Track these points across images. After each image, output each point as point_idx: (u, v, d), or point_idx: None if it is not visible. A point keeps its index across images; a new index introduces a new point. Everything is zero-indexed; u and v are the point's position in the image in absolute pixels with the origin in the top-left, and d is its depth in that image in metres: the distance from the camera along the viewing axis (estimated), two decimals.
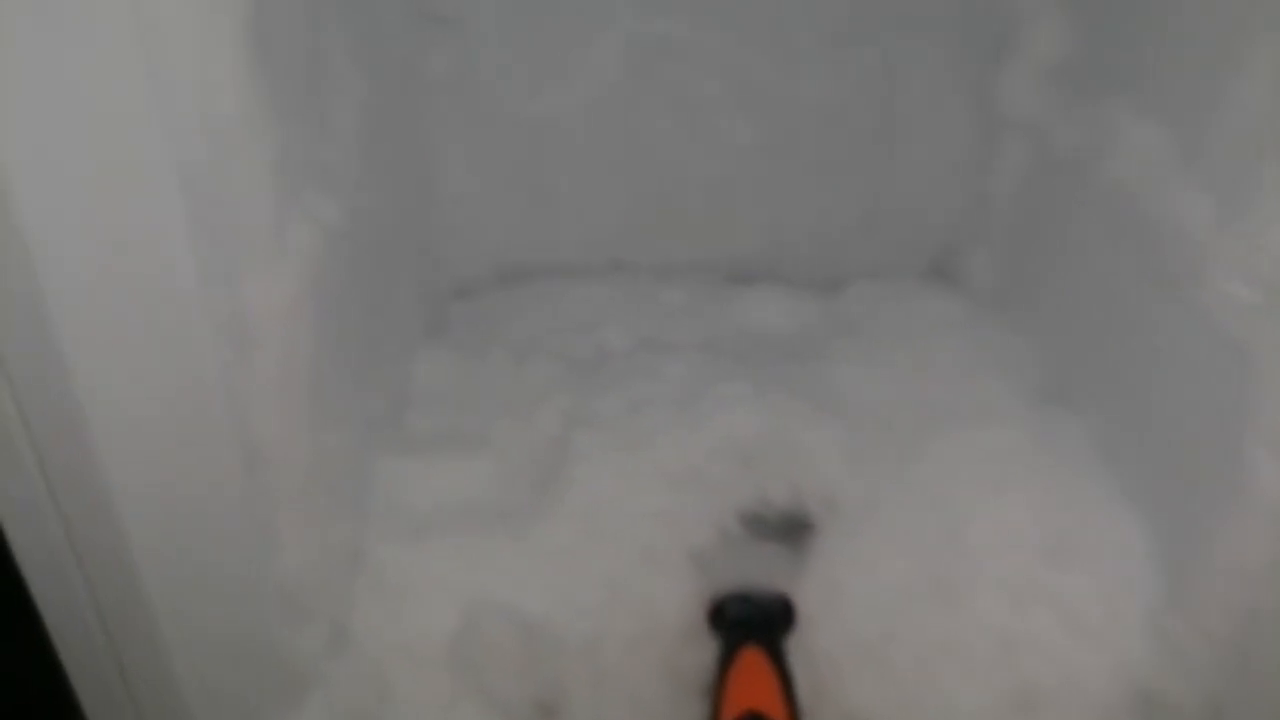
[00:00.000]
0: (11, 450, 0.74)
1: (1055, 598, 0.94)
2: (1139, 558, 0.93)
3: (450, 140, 1.37)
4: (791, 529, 1.02)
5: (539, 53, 1.33)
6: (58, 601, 0.82)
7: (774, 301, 1.34)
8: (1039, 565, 0.96)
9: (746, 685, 0.88)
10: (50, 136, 0.64)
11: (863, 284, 1.35)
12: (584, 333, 1.28)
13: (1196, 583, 0.85)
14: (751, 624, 0.94)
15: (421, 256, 1.35)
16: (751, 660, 0.90)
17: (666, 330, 1.28)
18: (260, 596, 0.88)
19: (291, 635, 0.91)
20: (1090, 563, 0.95)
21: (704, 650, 0.95)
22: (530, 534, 0.99)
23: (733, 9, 1.30)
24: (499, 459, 1.07)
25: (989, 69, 1.26)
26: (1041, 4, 1.19)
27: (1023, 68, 1.21)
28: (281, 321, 0.80)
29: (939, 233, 1.40)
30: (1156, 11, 0.98)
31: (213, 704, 0.90)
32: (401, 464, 1.06)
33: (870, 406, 1.12)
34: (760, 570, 0.99)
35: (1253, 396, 0.78)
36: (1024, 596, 0.95)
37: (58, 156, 0.65)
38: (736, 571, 0.98)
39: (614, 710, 0.96)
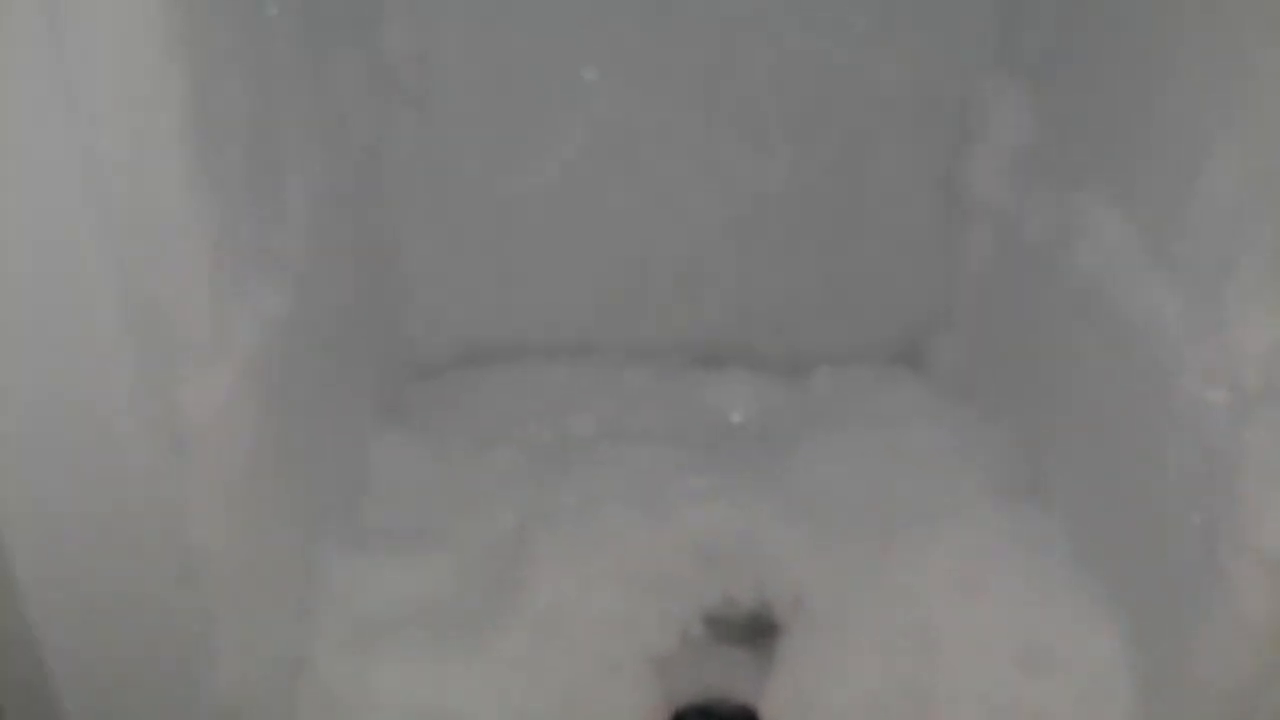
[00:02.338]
0: None
1: (1031, 709, 0.90)
2: (1116, 668, 0.90)
3: (414, 220, 1.35)
4: (757, 631, 0.98)
5: (506, 132, 1.32)
6: None
7: (740, 386, 1.32)
8: (1013, 673, 0.92)
9: None
10: None
11: (830, 369, 1.33)
12: (546, 418, 1.25)
13: (1174, 700, 0.82)
14: None
15: (381, 338, 1.32)
16: None
17: (631, 417, 1.25)
18: (194, 713, 0.82)
19: None
20: (1066, 672, 0.91)
21: None
22: (484, 641, 0.94)
23: (699, 90, 1.29)
24: (454, 557, 1.03)
25: (954, 154, 1.26)
26: (1003, 89, 1.19)
27: (987, 153, 1.21)
28: (218, 421, 0.76)
29: (905, 317, 1.38)
30: (1123, 102, 0.97)
31: None
32: (352, 561, 1.01)
33: (838, 501, 1.08)
34: (724, 677, 0.94)
35: (1231, 508, 0.75)
36: (998, 706, 0.91)
37: None
38: (699, 679, 0.94)
39: None
